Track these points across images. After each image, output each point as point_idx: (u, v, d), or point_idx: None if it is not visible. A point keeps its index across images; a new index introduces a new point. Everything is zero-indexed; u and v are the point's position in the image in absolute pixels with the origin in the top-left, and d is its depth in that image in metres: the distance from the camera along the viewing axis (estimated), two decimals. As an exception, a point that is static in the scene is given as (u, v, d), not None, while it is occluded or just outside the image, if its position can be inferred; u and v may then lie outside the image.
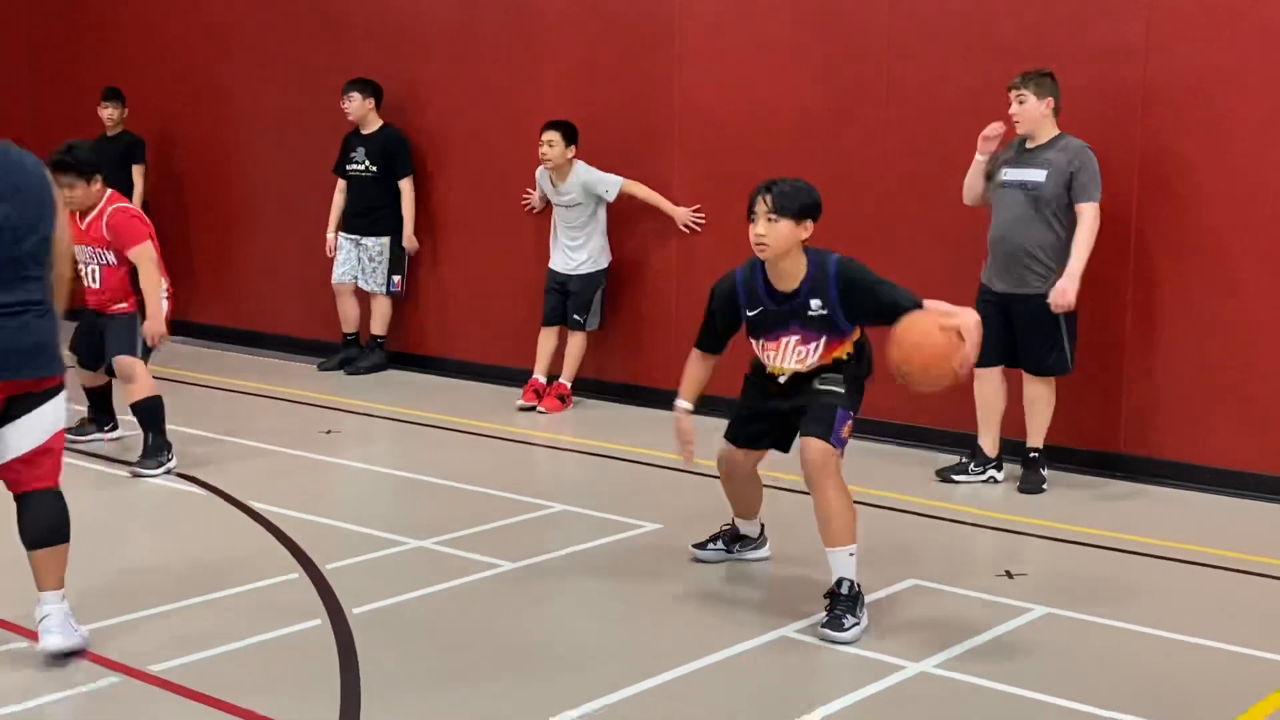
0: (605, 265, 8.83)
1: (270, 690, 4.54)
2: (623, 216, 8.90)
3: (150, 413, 7.15)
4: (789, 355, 5.24)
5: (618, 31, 8.91)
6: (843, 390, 5.18)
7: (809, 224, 5.14)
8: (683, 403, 5.50)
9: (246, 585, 5.46)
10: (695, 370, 5.52)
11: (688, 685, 4.62)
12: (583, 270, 8.78)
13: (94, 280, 7.20)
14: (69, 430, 7.44)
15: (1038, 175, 6.89)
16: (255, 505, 6.53)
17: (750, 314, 5.27)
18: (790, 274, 5.16)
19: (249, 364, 10.23)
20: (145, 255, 7.12)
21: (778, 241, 5.10)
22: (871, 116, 7.96)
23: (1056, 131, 6.96)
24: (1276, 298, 6.91)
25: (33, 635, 4.81)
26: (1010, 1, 7.51)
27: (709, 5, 8.55)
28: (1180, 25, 7.07)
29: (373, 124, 9.74)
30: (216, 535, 6.25)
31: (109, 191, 7.20)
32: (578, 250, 8.79)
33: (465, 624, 5.18)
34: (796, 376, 5.27)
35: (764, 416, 5.41)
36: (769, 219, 5.08)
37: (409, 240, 9.70)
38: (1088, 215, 6.83)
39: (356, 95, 9.66)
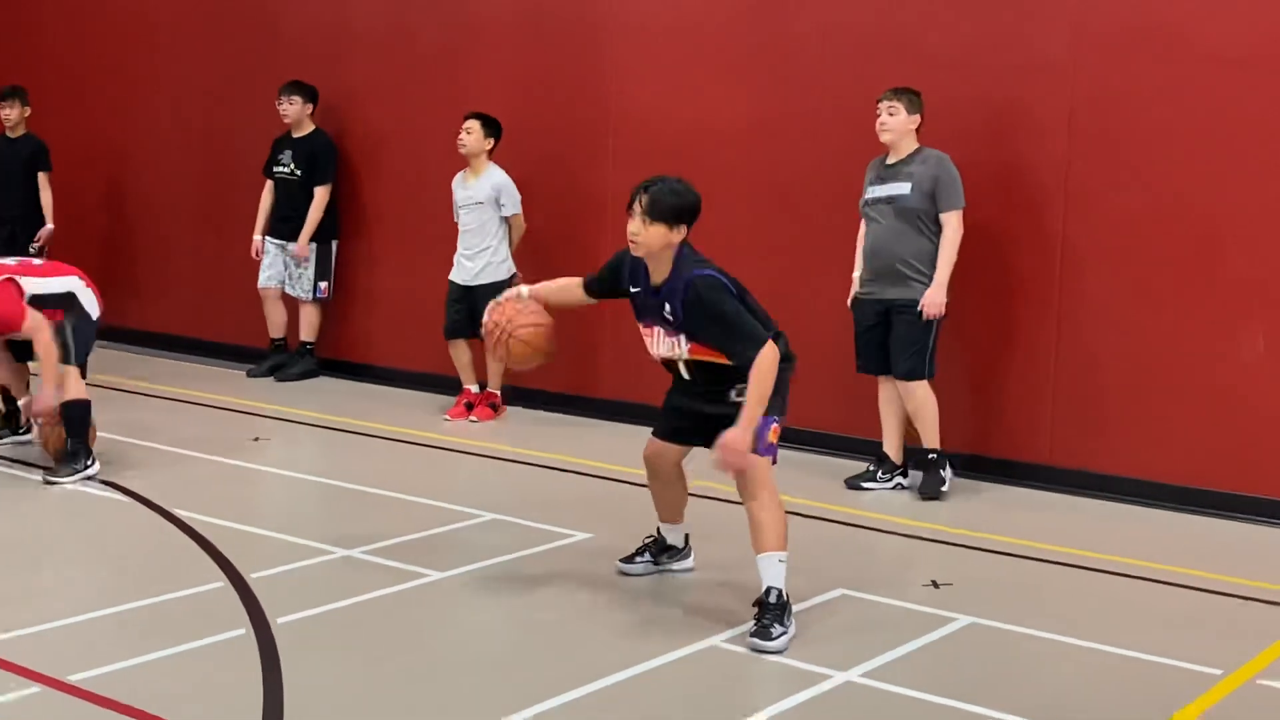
0: (506, 276, 8.63)
1: (192, 701, 4.48)
2: (557, 222, 8.89)
3: (76, 416, 7.01)
4: (660, 344, 5.30)
5: (552, 39, 8.91)
6: None
7: (683, 228, 5.18)
8: (523, 288, 5.60)
9: (169, 594, 5.39)
10: (564, 285, 5.63)
11: (617, 696, 4.61)
12: (481, 280, 8.62)
13: None
14: None
15: (902, 189, 7.08)
16: (179, 513, 6.46)
17: (631, 290, 5.35)
18: (659, 271, 5.24)
19: (177, 370, 10.12)
20: (33, 327, 6.80)
21: (649, 241, 5.17)
22: (803, 127, 8.02)
23: (916, 145, 7.13)
24: (1198, 310, 7.03)
25: (-52, 645, 4.74)
26: (939, 16, 7.60)
27: (643, 15, 8.58)
28: (1105, 41, 7.18)
29: (305, 128, 9.68)
30: (139, 543, 6.17)
31: None
32: (474, 258, 8.66)
33: (392, 634, 5.14)
34: (704, 376, 5.27)
35: (687, 414, 5.42)
36: (643, 220, 5.14)
37: (301, 247, 9.58)
38: (951, 223, 7.05)
39: (297, 99, 9.59)
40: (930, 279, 7.04)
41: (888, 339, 7.17)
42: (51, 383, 6.83)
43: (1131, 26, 7.12)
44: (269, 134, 9.79)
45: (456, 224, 8.80)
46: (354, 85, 9.74)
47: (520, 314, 5.47)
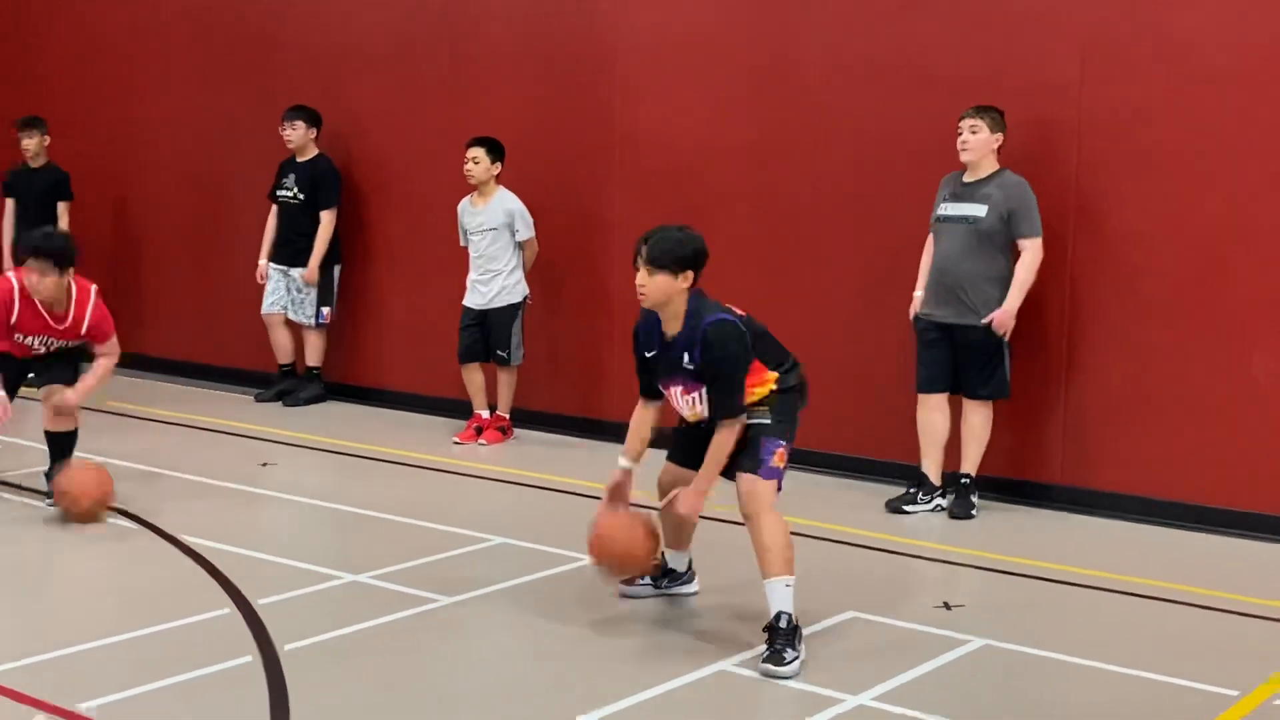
0: (520, 298, 8.67)
1: (199, 729, 4.46)
2: (564, 244, 8.87)
3: (70, 444, 7.02)
4: (680, 403, 5.30)
5: (557, 62, 8.91)
6: (769, 421, 5.19)
7: (689, 274, 5.16)
8: (621, 460, 5.47)
9: (176, 621, 5.37)
10: (636, 421, 5.50)
11: (626, 720, 4.58)
12: (496, 304, 8.63)
13: (49, 349, 6.95)
14: None
15: (978, 210, 7.00)
16: (186, 539, 6.43)
17: (648, 355, 5.32)
18: (671, 324, 5.22)
19: (185, 395, 10.10)
20: (114, 348, 6.98)
21: (655, 292, 5.15)
22: (811, 148, 8.00)
23: (997, 166, 7.06)
24: (1208, 329, 7.00)
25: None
26: (947, 37, 7.58)
27: (649, 37, 8.57)
28: (1114, 61, 7.16)
29: (309, 152, 9.67)
30: (146, 569, 6.14)
31: (78, 285, 6.87)
32: (489, 283, 8.65)
33: (399, 660, 5.11)
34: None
35: (697, 437, 5.39)
36: (647, 270, 5.13)
37: (310, 272, 9.59)
38: (1029, 250, 6.99)
39: (300, 123, 9.59)
40: (995, 301, 6.97)
41: (950, 359, 7.11)
42: (93, 389, 6.95)
43: (1140, 46, 7.10)
44: (273, 159, 9.79)
45: (465, 249, 8.79)
46: (358, 109, 9.74)
47: (620, 529, 5.38)
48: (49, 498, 6.94)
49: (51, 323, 6.82)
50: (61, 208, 10.35)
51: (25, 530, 6.70)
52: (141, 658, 5.03)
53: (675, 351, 5.20)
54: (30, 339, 6.85)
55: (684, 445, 5.48)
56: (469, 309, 8.74)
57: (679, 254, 5.13)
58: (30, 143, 10.36)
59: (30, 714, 4.48)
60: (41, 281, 6.67)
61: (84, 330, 6.90)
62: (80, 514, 6.68)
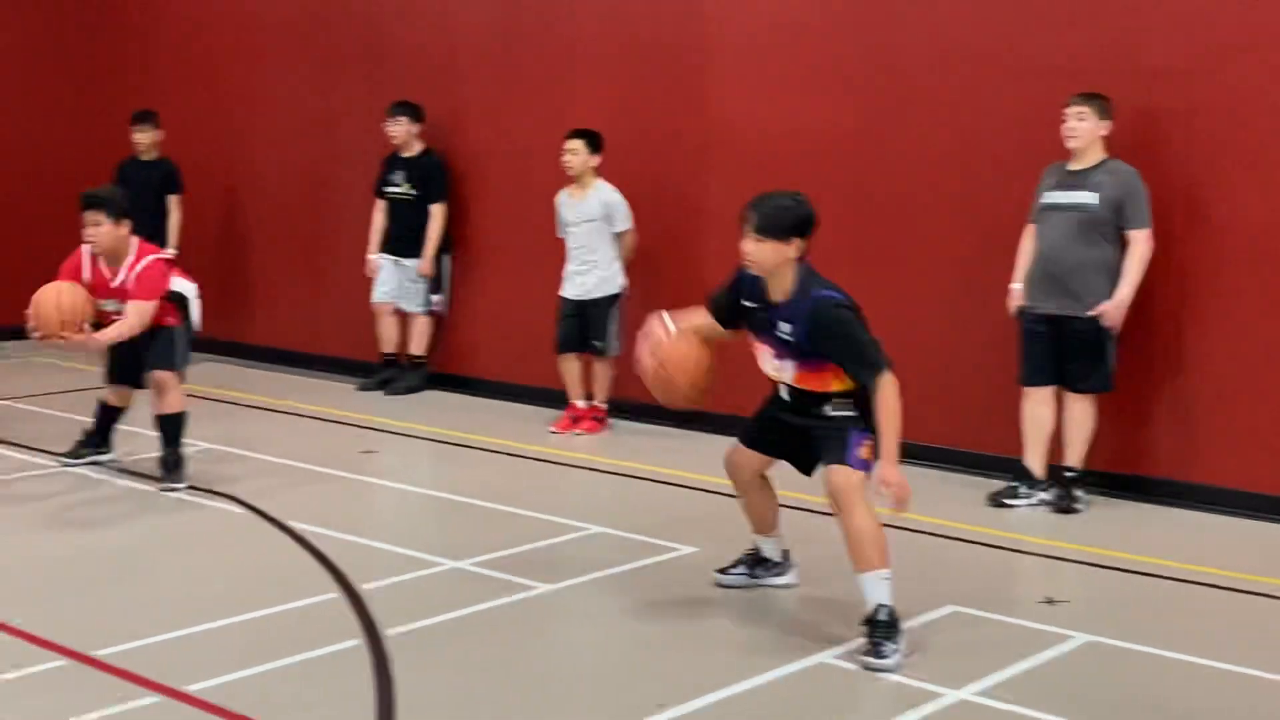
0: (618, 289, 8.73)
1: (305, 711, 4.54)
2: (660, 235, 8.89)
3: (177, 426, 7.20)
4: (768, 362, 5.27)
5: (653, 54, 8.93)
6: (854, 412, 5.15)
7: (796, 242, 5.11)
8: (668, 320, 5.41)
9: (283, 605, 5.47)
10: (699, 316, 5.44)
11: (727, 711, 4.59)
12: (594, 295, 8.69)
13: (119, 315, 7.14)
14: (64, 455, 7.48)
15: (1088, 197, 6.89)
16: (293, 524, 6.55)
17: (748, 305, 5.29)
18: (778, 289, 5.18)
19: (290, 384, 10.29)
20: (148, 310, 7.01)
21: (763, 259, 5.13)
22: (906, 137, 7.94)
23: (1104, 155, 6.95)
24: (1321, 322, 6.84)
25: (71, 653, 4.85)
26: (1050, 22, 7.48)
27: (744, 27, 8.56)
28: (1222, 46, 7.01)
29: (414, 147, 9.80)
30: (254, 554, 6.27)
31: (137, 241, 7.10)
32: (586, 274, 8.70)
33: (499, 646, 5.17)
34: (802, 396, 5.25)
35: (775, 425, 5.39)
36: (754, 238, 5.11)
37: (425, 264, 9.70)
38: (1140, 242, 6.87)
39: (404, 119, 9.71)
40: (1103, 291, 6.87)
41: (1056, 351, 7.02)
42: (112, 336, 6.94)
43: (1249, 31, 6.95)
44: (376, 154, 9.92)
45: (562, 240, 8.84)
46: (460, 104, 9.84)
47: (674, 349, 5.36)
48: (169, 481, 7.14)
49: (110, 280, 7.02)
50: (172, 201, 10.56)
51: (137, 515, 6.87)
52: (250, 640, 5.13)
53: (777, 316, 5.16)
54: (105, 304, 7.06)
55: (761, 433, 5.46)
56: (566, 299, 8.79)
57: (787, 222, 5.10)
58: (143, 137, 10.59)
59: (141, 694, 4.59)
60: (97, 231, 6.90)
61: (132, 284, 7.00)
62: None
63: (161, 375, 7.16)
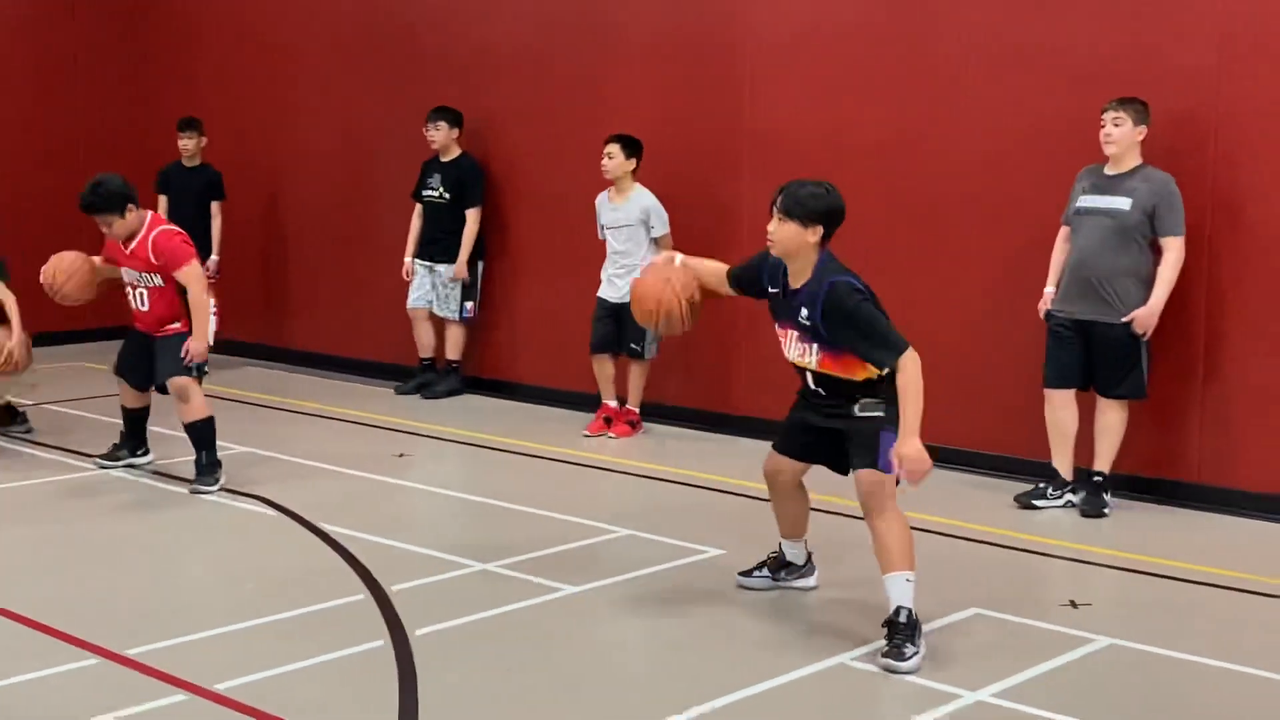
0: None
1: (331, 710, 4.62)
2: (695, 238, 8.90)
3: (204, 433, 7.29)
4: (792, 348, 5.31)
5: (689, 57, 8.97)
6: (882, 413, 5.16)
7: (818, 229, 5.16)
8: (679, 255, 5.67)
9: (312, 606, 5.55)
10: (713, 266, 5.63)
11: (751, 710, 4.63)
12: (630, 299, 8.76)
13: (142, 303, 7.33)
14: (100, 457, 7.63)
15: (1122, 203, 6.88)
16: (324, 526, 6.64)
17: (770, 290, 5.36)
18: (798, 274, 5.24)
19: (328, 388, 10.39)
20: (193, 275, 7.24)
21: (784, 241, 5.19)
22: (942, 141, 7.94)
23: (1139, 161, 6.94)
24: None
25: (101, 651, 4.94)
26: (1082, 27, 7.47)
27: (779, 30, 8.59)
28: (1254, 50, 6.98)
29: (452, 152, 9.88)
30: (284, 555, 6.35)
31: (149, 214, 7.36)
32: (624, 278, 8.67)
33: (525, 647, 5.22)
34: (829, 389, 5.26)
35: (808, 429, 5.42)
36: (779, 218, 5.18)
37: (459, 269, 9.78)
38: (1173, 249, 6.85)
39: (443, 124, 9.80)
40: (1136, 297, 6.86)
41: (1083, 356, 7.02)
42: (203, 334, 7.22)
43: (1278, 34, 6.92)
44: (415, 158, 10.02)
45: (603, 241, 8.90)
46: (496, 108, 9.92)
47: (677, 280, 5.50)
48: (200, 484, 7.26)
49: (124, 251, 7.28)
50: (215, 207, 10.68)
51: (168, 517, 6.97)
52: (277, 640, 5.21)
53: (797, 301, 5.22)
54: (123, 274, 7.34)
55: (794, 437, 5.49)
56: (603, 301, 8.85)
57: (811, 206, 5.16)
58: (189, 143, 10.72)
59: (170, 693, 4.68)
60: (112, 230, 7.26)
61: (150, 255, 7.21)
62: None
63: (180, 382, 7.25)
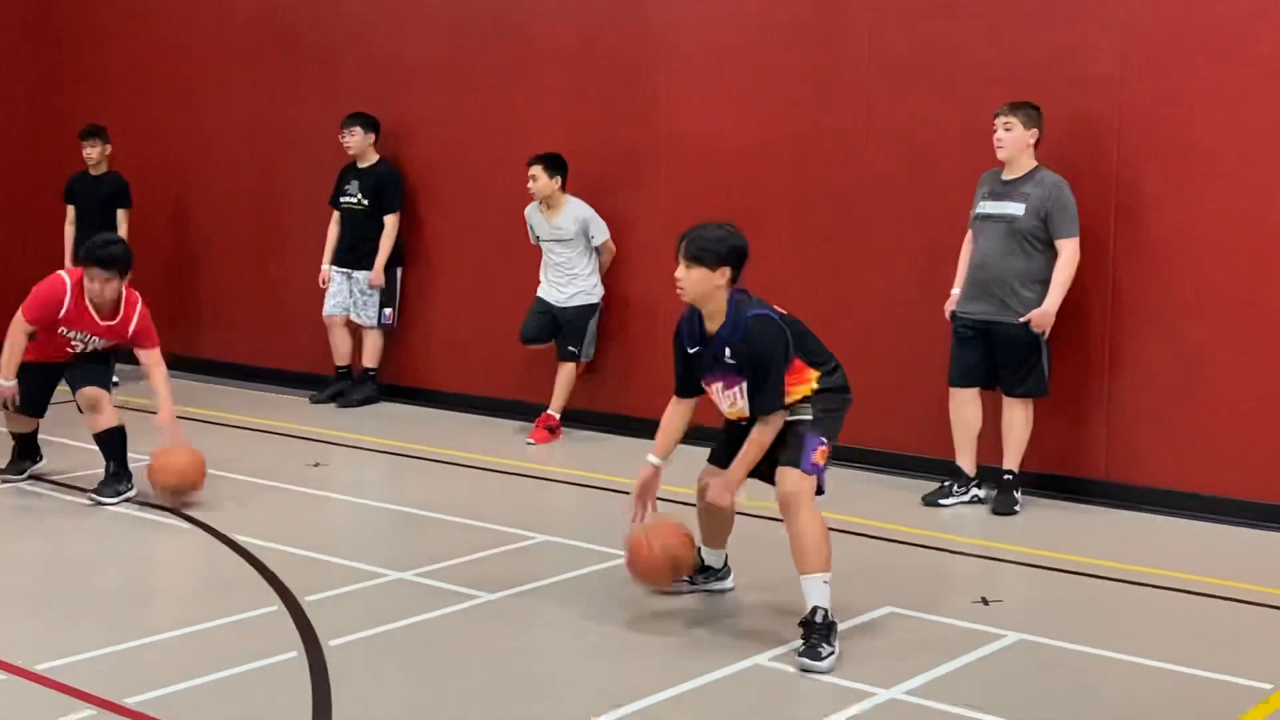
0: (598, 299, 8.87)
1: (243, 722, 4.57)
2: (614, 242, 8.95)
3: (115, 442, 7.21)
4: (723, 398, 5.36)
5: (603, 65, 8.99)
6: (810, 418, 5.24)
7: (725, 270, 5.20)
8: (651, 457, 5.53)
9: (225, 618, 5.49)
10: (669, 418, 5.56)
11: (664, 713, 4.64)
12: (574, 303, 8.84)
13: (87, 349, 7.20)
14: (2, 472, 7.50)
15: (1016, 209, 7.00)
16: (237, 537, 6.56)
17: (690, 351, 5.38)
18: (713, 317, 5.29)
19: (240, 397, 10.28)
20: (159, 356, 7.22)
21: (693, 285, 5.22)
22: (852, 146, 8.02)
23: (1035, 164, 7.06)
24: (1251, 323, 6.95)
25: (6, 666, 4.86)
26: (987, 32, 7.58)
27: (693, 39, 8.63)
28: (1155, 54, 7.13)
29: (370, 158, 9.82)
30: (196, 567, 6.29)
31: (125, 291, 7.17)
32: (567, 285, 8.83)
33: (441, 656, 5.21)
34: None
35: (740, 442, 5.45)
36: (685, 264, 5.21)
37: (377, 275, 9.73)
38: (1066, 251, 6.98)
39: (359, 129, 9.74)
40: (1034, 300, 6.97)
41: (986, 356, 7.14)
42: (170, 403, 7.17)
43: (1182, 37, 7.07)
44: (330, 165, 9.94)
45: (535, 246, 8.94)
46: (413, 115, 9.87)
47: (663, 531, 5.51)
48: (100, 495, 7.15)
49: (98, 321, 7.06)
50: (121, 215, 10.51)
51: (76, 528, 6.86)
52: (190, 654, 5.14)
53: (717, 347, 5.26)
54: (73, 334, 7.09)
55: (728, 446, 5.52)
56: (542, 300, 8.89)
57: (716, 250, 5.20)
58: (92, 151, 10.55)
59: (78, 708, 4.61)
60: (105, 288, 6.98)
61: (130, 332, 7.12)
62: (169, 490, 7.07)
63: (94, 392, 7.17)
